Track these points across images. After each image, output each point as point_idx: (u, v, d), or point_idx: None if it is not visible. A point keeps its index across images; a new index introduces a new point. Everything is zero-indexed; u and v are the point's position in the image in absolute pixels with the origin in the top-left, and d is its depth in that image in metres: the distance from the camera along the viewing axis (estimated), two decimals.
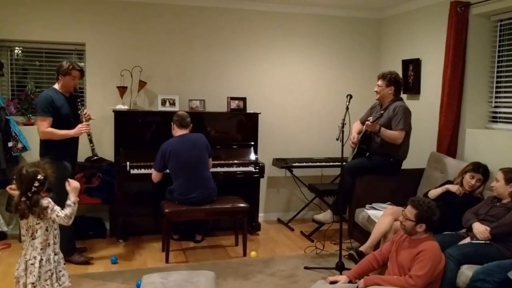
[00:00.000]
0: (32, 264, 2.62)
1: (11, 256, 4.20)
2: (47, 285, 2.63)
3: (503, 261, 2.86)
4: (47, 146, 3.89)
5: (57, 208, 2.69)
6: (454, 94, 4.33)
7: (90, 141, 3.98)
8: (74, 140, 4.04)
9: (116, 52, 4.97)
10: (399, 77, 4.36)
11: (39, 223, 2.65)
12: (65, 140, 3.89)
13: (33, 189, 2.60)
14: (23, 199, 2.61)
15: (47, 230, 2.68)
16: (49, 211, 2.65)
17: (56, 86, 3.97)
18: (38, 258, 2.63)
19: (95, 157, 4.05)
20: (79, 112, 4.00)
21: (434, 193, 3.77)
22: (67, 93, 3.99)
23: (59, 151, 3.86)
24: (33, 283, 2.59)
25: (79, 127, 3.91)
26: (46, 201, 2.66)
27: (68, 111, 3.95)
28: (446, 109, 4.37)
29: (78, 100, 4.07)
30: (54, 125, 3.85)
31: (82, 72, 4.03)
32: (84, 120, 3.97)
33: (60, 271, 2.74)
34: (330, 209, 4.49)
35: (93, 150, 3.99)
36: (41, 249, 2.65)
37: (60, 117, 3.88)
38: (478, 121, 4.40)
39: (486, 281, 2.72)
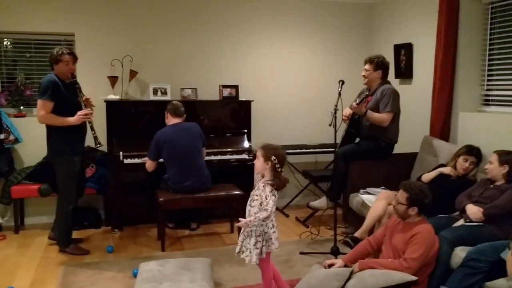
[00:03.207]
0: None
1: (7, 247, 4.20)
2: None
3: (496, 242, 2.89)
4: (55, 140, 3.81)
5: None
6: (446, 77, 4.34)
7: (92, 128, 3.84)
8: (82, 132, 3.94)
9: (106, 42, 4.92)
10: (386, 60, 4.34)
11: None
12: (73, 133, 3.81)
13: None
14: None
15: None
16: None
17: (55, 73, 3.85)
18: None
19: (99, 145, 3.86)
20: (78, 99, 3.86)
21: (427, 177, 3.78)
22: (67, 80, 3.87)
23: (68, 146, 3.82)
24: None
25: (79, 114, 3.78)
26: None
27: (70, 98, 3.83)
28: (439, 93, 4.38)
29: (77, 86, 3.90)
30: (56, 112, 3.74)
31: (73, 54, 3.86)
32: (83, 107, 3.84)
33: None
34: (326, 195, 4.51)
35: (95, 138, 3.82)
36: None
37: (63, 104, 3.76)
38: (471, 104, 4.41)
39: (479, 260, 2.75)
